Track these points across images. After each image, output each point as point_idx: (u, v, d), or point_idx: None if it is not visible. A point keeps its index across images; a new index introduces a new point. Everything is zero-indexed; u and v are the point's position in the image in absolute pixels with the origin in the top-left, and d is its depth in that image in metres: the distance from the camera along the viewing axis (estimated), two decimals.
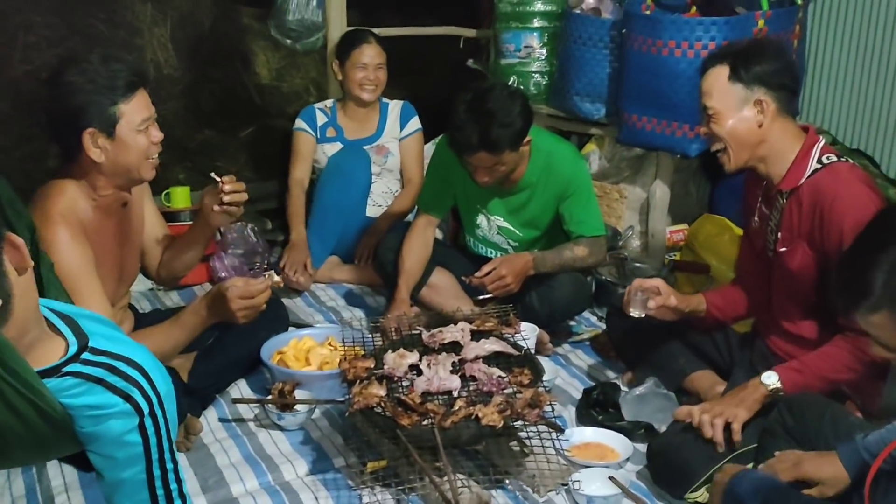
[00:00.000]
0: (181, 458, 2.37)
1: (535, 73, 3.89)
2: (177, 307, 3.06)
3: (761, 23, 3.23)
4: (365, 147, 3.83)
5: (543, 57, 3.87)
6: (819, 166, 2.37)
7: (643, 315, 2.62)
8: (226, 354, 2.73)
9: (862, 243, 1.78)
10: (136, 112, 2.33)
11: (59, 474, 2.35)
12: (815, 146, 2.41)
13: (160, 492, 1.57)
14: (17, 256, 1.37)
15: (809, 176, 2.37)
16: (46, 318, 1.46)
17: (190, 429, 2.49)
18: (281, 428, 2.59)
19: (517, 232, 3.15)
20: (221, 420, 2.64)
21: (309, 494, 2.30)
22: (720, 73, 2.39)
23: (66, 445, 1.55)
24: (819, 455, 1.98)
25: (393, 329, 2.64)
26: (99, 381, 1.44)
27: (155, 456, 1.53)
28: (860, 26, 3.62)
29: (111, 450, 1.49)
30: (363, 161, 3.76)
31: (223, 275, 3.57)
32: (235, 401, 2.66)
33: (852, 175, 2.35)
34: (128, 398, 1.46)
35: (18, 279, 1.37)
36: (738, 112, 2.38)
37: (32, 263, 1.41)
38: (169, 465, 1.57)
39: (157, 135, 2.39)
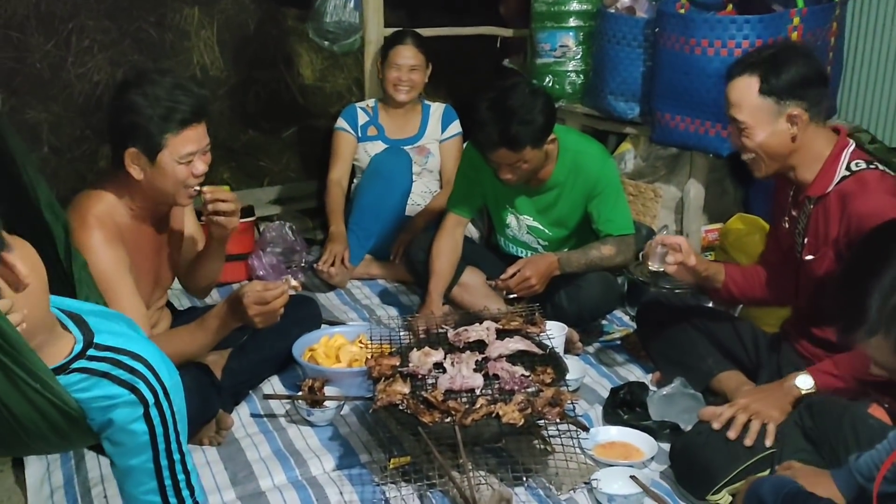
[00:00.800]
0: (212, 452, 2.49)
1: (571, 72, 3.89)
2: (213, 305, 3.13)
3: (797, 20, 3.20)
4: (406, 147, 3.87)
5: (579, 56, 3.87)
6: (847, 174, 2.35)
7: (661, 269, 2.58)
8: (259, 352, 2.79)
9: (856, 265, 1.78)
10: (182, 145, 2.35)
11: (97, 466, 2.44)
12: (845, 151, 2.39)
13: (168, 481, 1.65)
14: (9, 274, 1.43)
15: (838, 183, 2.36)
16: (57, 318, 1.54)
17: (221, 424, 2.56)
18: (310, 424, 2.65)
19: (546, 231, 3.17)
20: (253, 415, 2.71)
21: (334, 489, 2.35)
22: (750, 85, 2.35)
23: (82, 437, 1.63)
24: (815, 473, 1.97)
25: (421, 329, 2.68)
26: (104, 374, 1.53)
27: (162, 446, 1.61)
28: None
29: (120, 437, 1.58)
30: (405, 163, 3.79)
31: (261, 273, 3.64)
32: (266, 396, 2.73)
33: (881, 185, 2.32)
34: (133, 389, 1.54)
35: (15, 294, 1.43)
36: (770, 126, 2.36)
37: (28, 283, 1.46)
38: (176, 456, 1.64)
39: (200, 168, 2.41)
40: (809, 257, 2.44)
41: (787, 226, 2.55)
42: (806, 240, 2.45)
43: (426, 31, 4.08)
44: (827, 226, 2.39)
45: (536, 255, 3.08)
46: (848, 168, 2.36)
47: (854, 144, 2.43)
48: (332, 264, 3.56)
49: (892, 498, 1.63)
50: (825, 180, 2.38)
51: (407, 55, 3.78)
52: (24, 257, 1.48)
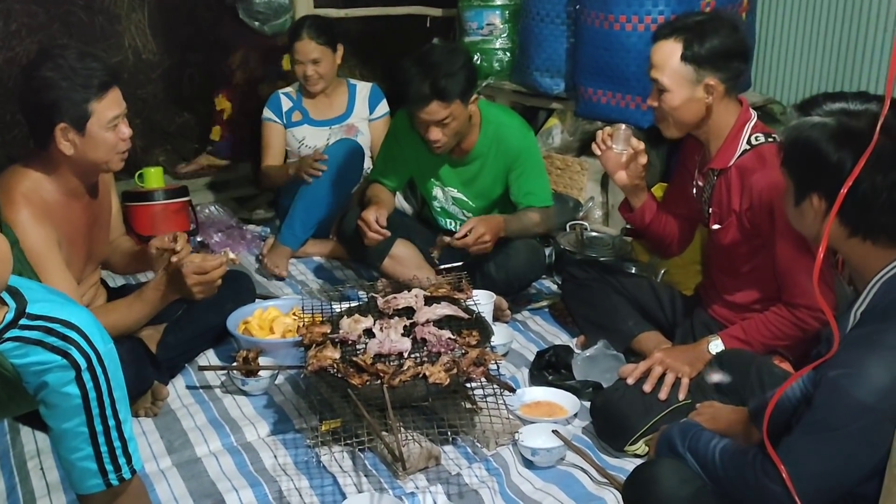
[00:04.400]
0: (148, 422, 2.54)
1: (498, 49, 3.99)
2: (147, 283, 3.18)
3: None
4: (333, 126, 3.92)
5: (505, 34, 3.97)
6: (748, 147, 2.45)
7: (624, 150, 2.66)
8: (193, 326, 2.84)
9: None
10: (107, 110, 2.39)
11: (32, 440, 2.48)
12: (747, 125, 2.48)
13: (104, 448, 1.69)
14: None
15: (738, 157, 2.46)
16: None
17: (156, 395, 2.61)
18: (245, 393, 2.71)
19: (470, 203, 3.27)
20: (189, 387, 2.76)
21: (268, 453, 2.42)
22: (674, 50, 2.42)
23: (18, 402, 1.67)
24: (733, 410, 2.09)
25: (374, 219, 2.93)
26: (37, 342, 1.59)
27: (95, 410, 1.65)
28: None
29: (54, 399, 1.63)
30: (360, 160, 3.78)
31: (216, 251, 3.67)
32: (202, 368, 2.78)
33: (778, 159, 2.43)
34: (65, 355, 1.60)
35: None
36: (686, 92, 2.44)
37: None
38: (111, 422, 1.68)
39: (125, 131, 2.46)
40: (716, 227, 2.55)
41: (694, 192, 2.66)
42: (711, 209, 2.57)
43: (355, 12, 4.13)
44: (730, 198, 2.49)
45: (484, 216, 3.14)
46: (748, 142, 2.46)
47: (755, 117, 2.52)
48: (277, 268, 3.61)
49: (786, 428, 1.74)
50: (727, 154, 2.48)
51: (306, 50, 3.76)
52: None
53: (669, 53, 2.44)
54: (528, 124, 3.30)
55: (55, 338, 1.61)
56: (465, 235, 2.99)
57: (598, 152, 2.71)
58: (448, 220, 3.35)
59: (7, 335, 1.60)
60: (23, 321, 1.62)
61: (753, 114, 2.53)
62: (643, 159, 2.67)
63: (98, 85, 2.37)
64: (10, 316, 1.62)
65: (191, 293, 2.54)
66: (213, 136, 4.54)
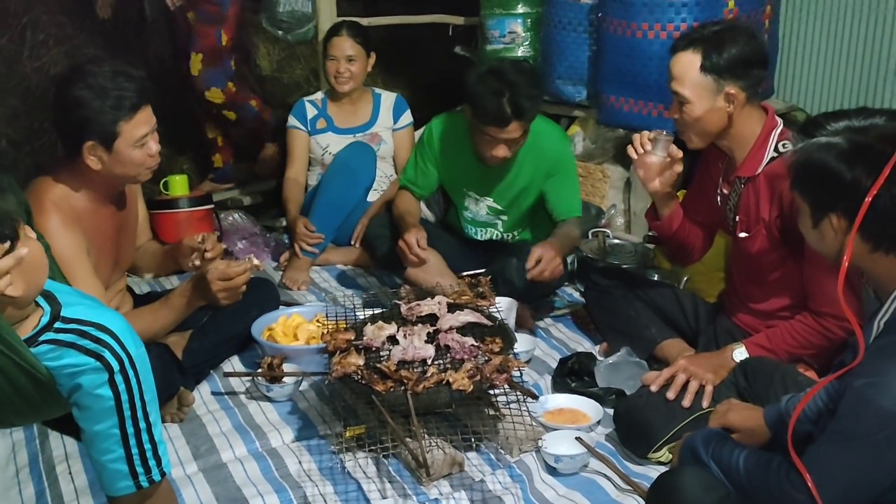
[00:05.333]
0: (174, 428, 2.57)
1: (520, 58, 4.00)
2: (173, 289, 3.21)
3: (731, 3, 3.33)
4: (357, 135, 3.95)
5: (527, 42, 3.98)
6: (776, 154, 2.45)
7: (662, 156, 2.59)
8: (219, 332, 2.87)
9: None
10: (135, 129, 2.42)
11: (61, 445, 2.51)
12: (773, 132, 2.48)
13: (134, 450, 1.72)
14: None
15: (766, 164, 2.45)
16: None
17: (182, 401, 2.64)
18: (270, 399, 2.74)
19: (503, 210, 3.29)
20: (214, 393, 2.79)
21: (293, 459, 2.44)
22: (692, 61, 2.43)
23: (52, 405, 1.70)
24: (749, 408, 2.10)
25: (415, 242, 2.99)
26: (71, 345, 1.63)
27: (127, 413, 1.68)
28: (833, 4, 3.70)
29: (87, 401, 1.66)
30: (371, 160, 3.82)
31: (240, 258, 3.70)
32: (227, 374, 2.81)
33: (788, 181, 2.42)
34: (99, 357, 1.63)
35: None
36: (708, 103, 2.44)
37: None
38: (142, 425, 1.71)
39: (154, 147, 2.49)
40: (743, 235, 2.54)
41: (719, 201, 2.66)
42: (738, 217, 2.56)
43: (377, 21, 4.16)
44: (758, 206, 2.48)
45: (543, 242, 3.08)
46: (776, 149, 2.45)
47: (782, 124, 2.51)
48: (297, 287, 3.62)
49: (808, 437, 1.75)
50: (754, 161, 2.47)
51: (343, 46, 3.80)
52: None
53: (688, 65, 2.44)
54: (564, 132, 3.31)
55: (89, 340, 1.64)
56: (538, 263, 2.93)
57: (634, 156, 2.64)
58: (478, 230, 3.36)
59: (42, 338, 1.64)
60: (57, 324, 1.66)
61: (779, 121, 2.52)
62: (679, 168, 2.63)
63: (129, 106, 2.40)
64: (45, 319, 1.66)
65: (216, 299, 2.58)
66: (215, 163, 4.47)
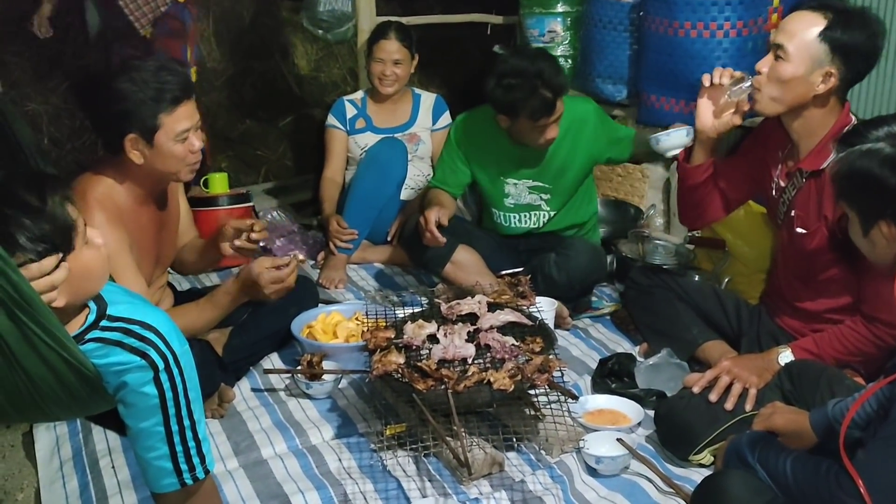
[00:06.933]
0: (215, 423, 2.58)
1: (560, 57, 3.97)
2: (214, 286, 3.24)
3: (776, 2, 3.29)
4: (396, 134, 3.94)
5: (567, 41, 3.96)
6: None
7: (733, 100, 2.49)
8: (259, 329, 2.88)
9: None
10: (176, 123, 2.43)
11: (104, 439, 2.53)
12: (846, 129, 2.33)
13: (178, 447, 1.73)
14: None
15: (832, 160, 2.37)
16: None
17: (223, 397, 2.66)
18: (309, 397, 2.74)
19: (548, 185, 3.29)
20: (254, 390, 2.80)
21: (333, 456, 2.44)
22: (815, 21, 2.31)
23: (97, 399, 1.71)
24: (794, 411, 2.07)
25: (435, 219, 2.98)
26: (117, 343, 1.64)
27: (172, 410, 1.69)
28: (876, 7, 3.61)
29: (132, 398, 1.67)
30: (401, 153, 3.82)
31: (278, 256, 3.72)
32: (267, 371, 2.83)
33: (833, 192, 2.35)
34: (144, 356, 1.64)
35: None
36: (805, 69, 2.32)
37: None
38: (186, 422, 1.72)
39: (196, 144, 2.50)
40: (801, 231, 2.47)
41: (773, 192, 2.58)
42: (794, 212, 2.49)
43: (415, 20, 4.16)
44: (820, 203, 2.41)
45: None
46: None
47: (854, 122, 2.40)
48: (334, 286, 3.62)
49: (857, 442, 1.72)
50: (822, 156, 2.38)
51: (390, 49, 3.81)
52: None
53: (809, 24, 2.31)
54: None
55: (134, 339, 1.65)
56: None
57: (706, 83, 2.53)
58: (521, 216, 3.35)
59: (89, 336, 1.65)
60: (103, 322, 1.67)
61: (853, 118, 2.43)
62: (737, 121, 2.53)
63: (170, 99, 2.41)
64: (91, 317, 1.68)
65: (266, 297, 2.64)
66: None
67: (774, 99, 2.40)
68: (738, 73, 2.52)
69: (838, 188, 1.77)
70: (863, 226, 1.74)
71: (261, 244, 3.77)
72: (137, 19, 3.64)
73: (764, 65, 2.40)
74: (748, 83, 2.46)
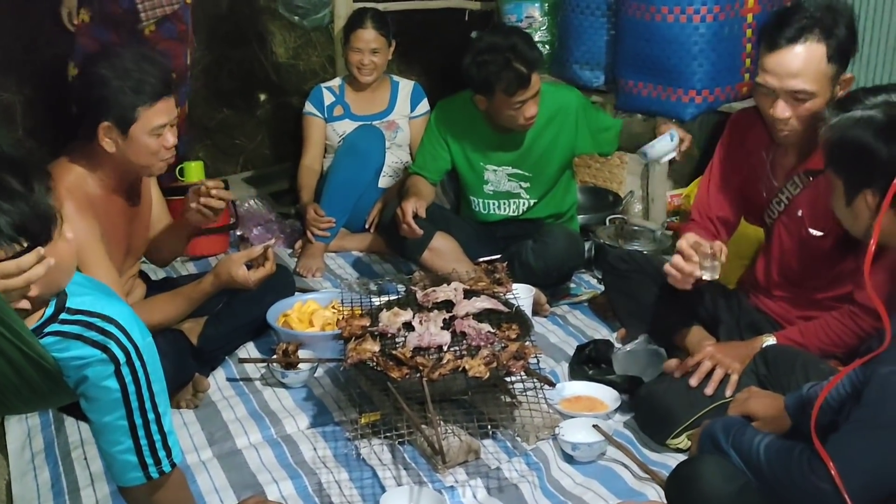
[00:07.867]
0: (189, 413, 2.56)
1: (537, 42, 3.93)
2: (189, 276, 3.21)
3: None
4: (374, 122, 3.92)
5: (545, 27, 3.94)
6: None
7: (713, 277, 2.42)
8: (234, 318, 2.86)
9: None
10: (154, 117, 2.40)
11: (76, 430, 2.50)
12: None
13: (143, 441, 1.70)
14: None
15: None
16: None
17: (197, 387, 2.63)
18: (285, 386, 2.72)
19: (527, 174, 3.29)
20: (229, 379, 2.78)
21: (308, 445, 2.43)
22: (816, 51, 2.21)
23: (59, 395, 1.69)
24: (769, 395, 2.06)
25: (412, 210, 2.97)
26: (77, 336, 1.61)
27: (135, 404, 1.66)
28: None
29: (94, 393, 1.64)
30: (379, 141, 3.80)
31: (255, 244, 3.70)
32: (242, 360, 2.81)
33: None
34: (105, 349, 1.61)
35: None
36: (830, 93, 2.24)
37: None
38: (151, 416, 1.69)
39: (170, 140, 2.46)
40: (817, 233, 2.40)
41: (765, 194, 2.55)
42: (801, 211, 2.44)
43: (393, 6, 4.13)
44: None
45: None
46: None
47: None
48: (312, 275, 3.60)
49: (831, 425, 1.71)
50: None
51: (367, 38, 3.79)
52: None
53: (813, 56, 2.21)
54: None
55: (94, 332, 1.62)
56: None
57: (675, 273, 2.42)
58: (500, 203, 3.34)
59: (48, 329, 1.61)
60: (63, 315, 1.63)
61: None
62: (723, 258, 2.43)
63: (150, 92, 2.38)
64: (49, 310, 1.63)
65: (249, 287, 2.63)
66: None
67: (806, 130, 2.30)
68: (705, 248, 2.39)
69: (828, 154, 1.75)
70: (847, 194, 1.72)
71: (237, 234, 3.75)
72: (145, 10, 3.58)
73: (783, 111, 2.27)
74: (708, 263, 2.38)
